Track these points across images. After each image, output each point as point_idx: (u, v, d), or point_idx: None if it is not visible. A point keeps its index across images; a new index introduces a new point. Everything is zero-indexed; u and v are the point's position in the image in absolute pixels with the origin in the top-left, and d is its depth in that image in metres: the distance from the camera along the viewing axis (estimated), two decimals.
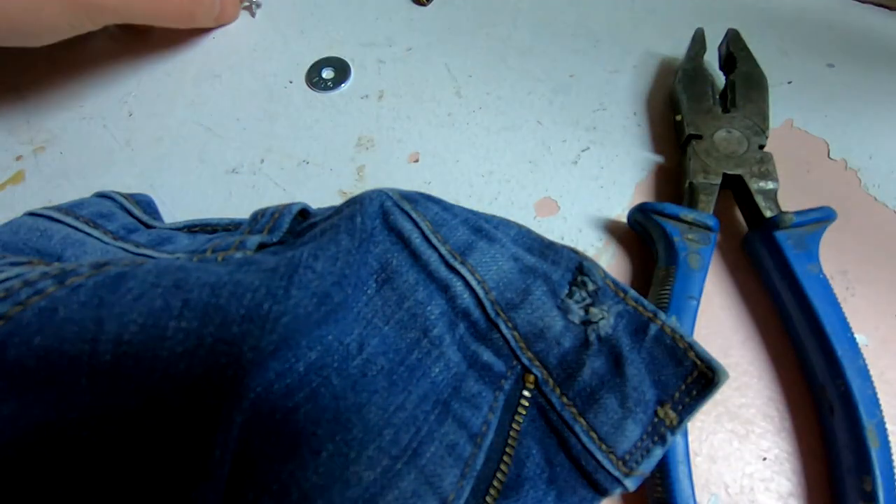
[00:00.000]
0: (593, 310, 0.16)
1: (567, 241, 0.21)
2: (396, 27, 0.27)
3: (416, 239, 0.15)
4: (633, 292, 0.16)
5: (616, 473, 0.14)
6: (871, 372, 0.17)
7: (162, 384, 0.10)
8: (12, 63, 0.27)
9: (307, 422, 0.11)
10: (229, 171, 0.23)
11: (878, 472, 0.15)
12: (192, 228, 0.18)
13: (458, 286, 0.15)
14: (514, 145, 0.23)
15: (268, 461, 0.11)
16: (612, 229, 0.21)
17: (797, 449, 0.17)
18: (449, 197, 0.22)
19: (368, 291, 0.14)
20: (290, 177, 0.23)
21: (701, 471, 0.17)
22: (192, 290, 0.11)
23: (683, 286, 0.18)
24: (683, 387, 0.15)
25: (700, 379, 0.15)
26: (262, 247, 0.15)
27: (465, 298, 0.15)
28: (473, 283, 0.16)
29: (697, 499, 0.16)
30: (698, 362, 0.15)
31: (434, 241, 0.16)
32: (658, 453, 0.14)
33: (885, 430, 0.16)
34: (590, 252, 0.21)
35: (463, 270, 0.16)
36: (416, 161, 0.23)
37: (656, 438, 0.15)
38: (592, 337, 0.16)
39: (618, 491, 0.14)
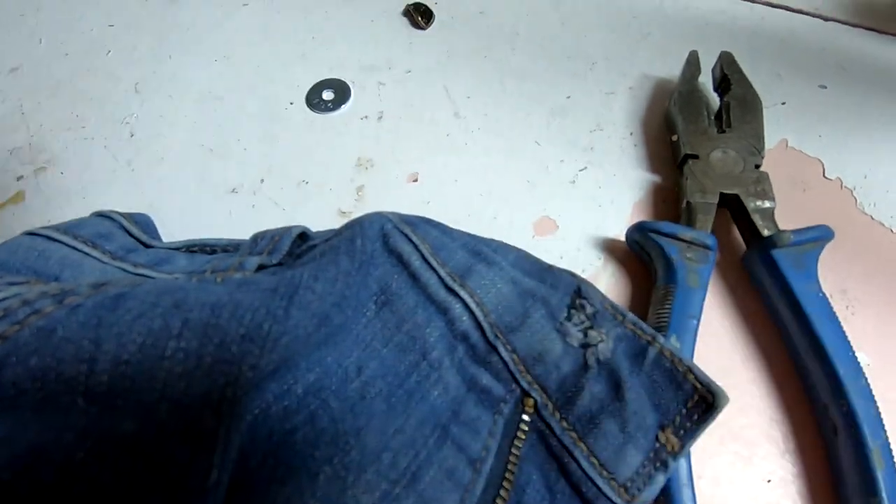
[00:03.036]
0: (592, 333, 0.16)
1: (566, 260, 0.21)
2: (396, 50, 0.27)
3: (416, 261, 0.15)
4: (631, 315, 0.16)
5: (618, 501, 0.14)
6: (874, 392, 0.17)
7: (160, 404, 0.10)
8: (17, 84, 0.27)
9: (305, 444, 0.11)
10: (229, 190, 0.23)
11: (884, 495, 0.15)
12: (191, 248, 0.18)
13: (458, 308, 0.15)
14: (513, 166, 0.23)
15: (265, 483, 0.11)
16: (611, 248, 0.21)
17: (802, 471, 0.17)
18: (448, 217, 0.22)
19: (367, 314, 0.14)
20: (289, 196, 0.23)
21: (704, 494, 0.17)
22: (191, 310, 0.11)
23: (683, 305, 0.18)
24: (684, 411, 0.15)
25: (701, 403, 0.15)
26: (261, 268, 0.15)
27: (464, 321, 0.15)
28: (472, 305, 0.15)
29: None
30: (698, 386, 0.15)
31: (433, 263, 0.16)
32: (660, 480, 0.14)
33: (890, 451, 0.16)
34: (588, 271, 0.21)
35: (462, 293, 0.15)
36: (416, 181, 0.23)
37: (658, 464, 0.14)
38: (592, 360, 0.15)
39: None
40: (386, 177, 0.23)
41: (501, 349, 0.15)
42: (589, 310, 0.16)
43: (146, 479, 0.10)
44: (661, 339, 0.16)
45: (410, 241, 0.16)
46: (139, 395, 0.10)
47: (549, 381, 0.15)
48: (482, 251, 0.17)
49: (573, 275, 0.17)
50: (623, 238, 0.21)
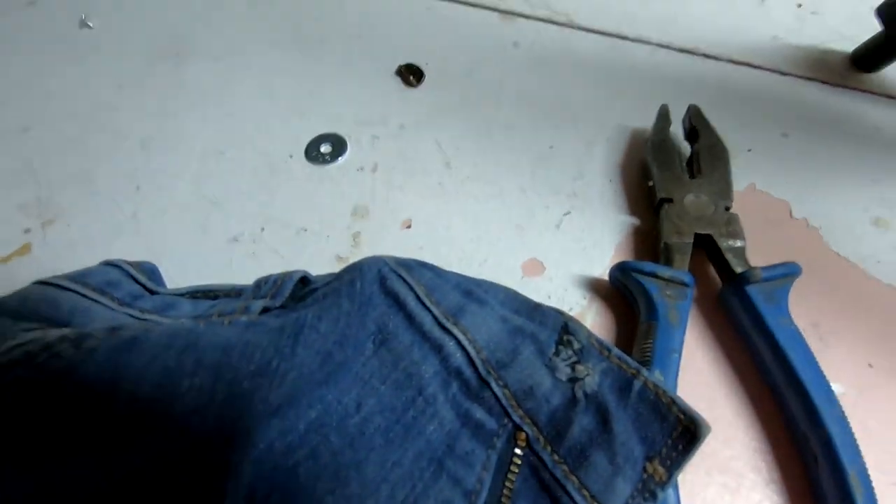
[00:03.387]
0: (579, 367, 0.17)
1: (553, 300, 0.22)
2: (390, 106, 0.29)
3: (411, 302, 0.16)
4: (616, 350, 0.17)
5: None
6: (850, 420, 0.17)
7: (176, 438, 0.11)
8: (28, 142, 0.28)
9: (307, 478, 0.12)
10: (231, 239, 0.24)
11: (855, 496, 0.15)
12: (195, 294, 0.19)
13: (451, 346, 0.16)
14: (501, 211, 0.25)
15: (286, 488, 0.11)
16: (596, 287, 0.22)
17: (787, 499, 0.17)
18: (440, 260, 0.23)
19: (366, 352, 0.15)
20: (289, 244, 0.24)
21: None
22: (204, 350, 0.12)
23: (665, 341, 0.19)
24: (670, 442, 0.15)
25: (685, 433, 0.15)
26: (265, 311, 0.16)
27: (458, 358, 0.16)
28: (465, 342, 0.16)
29: None
30: (682, 417, 0.16)
31: (428, 303, 0.17)
32: None
33: (867, 476, 0.16)
34: (575, 309, 0.22)
35: (455, 331, 0.16)
36: (409, 227, 0.24)
37: (647, 495, 0.15)
38: (580, 394, 0.16)
39: None
40: (381, 224, 0.25)
41: (493, 384, 0.16)
42: (576, 345, 0.17)
43: None
44: (645, 372, 0.16)
45: (406, 282, 0.17)
46: (156, 431, 0.11)
47: (539, 414, 0.16)
48: (473, 291, 0.18)
49: (560, 312, 0.18)
50: (606, 277, 0.22)
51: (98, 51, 0.33)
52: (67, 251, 0.25)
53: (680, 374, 0.19)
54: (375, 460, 0.13)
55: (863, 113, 0.28)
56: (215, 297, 0.19)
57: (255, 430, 0.11)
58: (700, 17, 0.33)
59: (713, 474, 0.18)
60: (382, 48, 0.32)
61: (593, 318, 0.21)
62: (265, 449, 0.12)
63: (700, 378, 0.20)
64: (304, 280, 0.18)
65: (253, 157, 0.27)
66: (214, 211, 0.25)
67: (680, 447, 0.15)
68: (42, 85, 0.31)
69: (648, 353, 0.18)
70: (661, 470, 0.15)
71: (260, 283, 0.17)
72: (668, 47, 0.32)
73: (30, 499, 0.10)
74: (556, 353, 0.17)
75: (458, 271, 0.22)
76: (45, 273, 0.24)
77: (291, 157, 0.27)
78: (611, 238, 0.24)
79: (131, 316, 0.17)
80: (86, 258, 0.24)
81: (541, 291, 0.22)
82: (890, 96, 0.29)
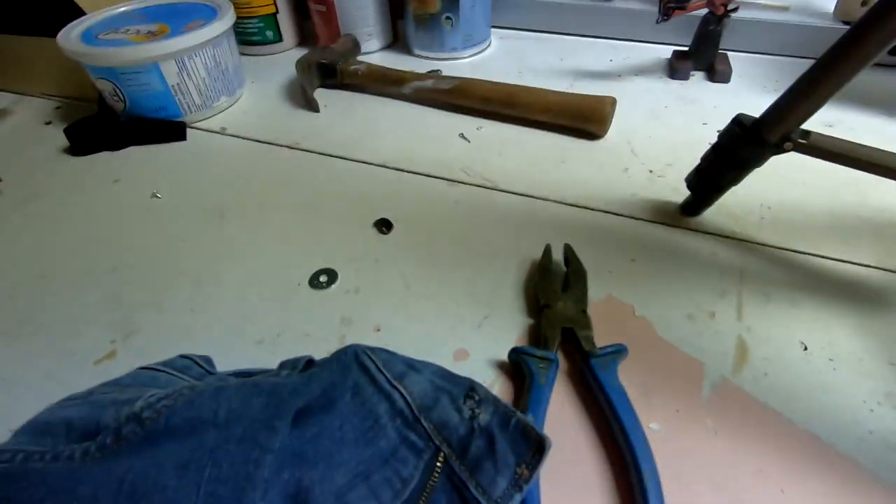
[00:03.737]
0: (477, 410, 0.27)
1: (474, 375, 0.33)
2: (368, 248, 0.42)
3: (373, 369, 0.27)
4: (503, 401, 0.27)
5: None
6: (662, 445, 0.28)
7: (252, 423, 0.21)
8: (115, 279, 0.41)
9: (312, 453, 0.23)
10: (257, 342, 0.36)
11: (651, 500, 0.25)
12: (239, 375, 0.30)
13: (396, 396, 0.27)
14: (441, 318, 0.37)
15: (298, 461, 0.22)
16: (502, 365, 0.33)
17: (616, 495, 0.27)
18: (400, 351, 0.34)
19: (346, 397, 0.26)
20: (296, 345, 0.35)
21: None
22: (263, 386, 0.23)
23: (537, 395, 0.29)
24: (531, 453, 0.25)
25: (539, 448, 0.25)
26: (288, 376, 0.27)
27: (401, 403, 0.27)
28: (406, 395, 0.27)
29: None
30: (537, 438, 0.26)
31: (383, 370, 0.28)
32: (517, 497, 0.24)
33: (657, 476, 0.26)
34: (488, 380, 0.32)
35: (399, 387, 0.27)
36: (379, 331, 0.36)
37: (516, 487, 0.24)
38: (476, 426, 0.26)
39: None
40: (360, 329, 0.36)
41: (423, 420, 0.26)
42: (477, 398, 0.28)
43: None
44: (519, 414, 0.27)
45: (370, 358, 0.28)
46: (240, 420, 0.22)
47: (451, 439, 0.26)
48: (414, 364, 0.29)
49: (470, 380, 0.29)
50: (507, 358, 0.33)
51: (165, 214, 0.46)
52: (141, 355, 0.36)
53: (554, 418, 0.30)
54: (349, 451, 0.24)
55: (686, 244, 0.42)
56: (251, 376, 0.30)
57: (282, 413, 0.22)
58: (583, 181, 0.48)
59: (571, 482, 0.28)
60: (363, 207, 0.46)
61: (500, 385, 0.32)
62: (281, 421, 0.22)
63: (567, 420, 0.30)
64: (310, 361, 0.29)
65: (272, 285, 0.40)
66: (244, 324, 0.37)
67: (536, 456, 0.25)
68: (126, 238, 0.44)
69: (526, 403, 0.29)
70: (525, 471, 0.25)
71: (283, 364, 0.29)
72: (560, 202, 0.46)
73: None
74: (464, 402, 0.27)
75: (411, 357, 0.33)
76: (125, 370, 0.35)
77: (299, 284, 0.40)
78: (513, 332, 0.35)
79: None
80: (155, 360, 0.35)
81: (466, 370, 0.33)
82: (704, 232, 0.42)
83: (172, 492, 0.20)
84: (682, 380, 0.32)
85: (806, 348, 0.34)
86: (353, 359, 0.28)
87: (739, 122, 0.36)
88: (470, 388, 0.28)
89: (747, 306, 0.37)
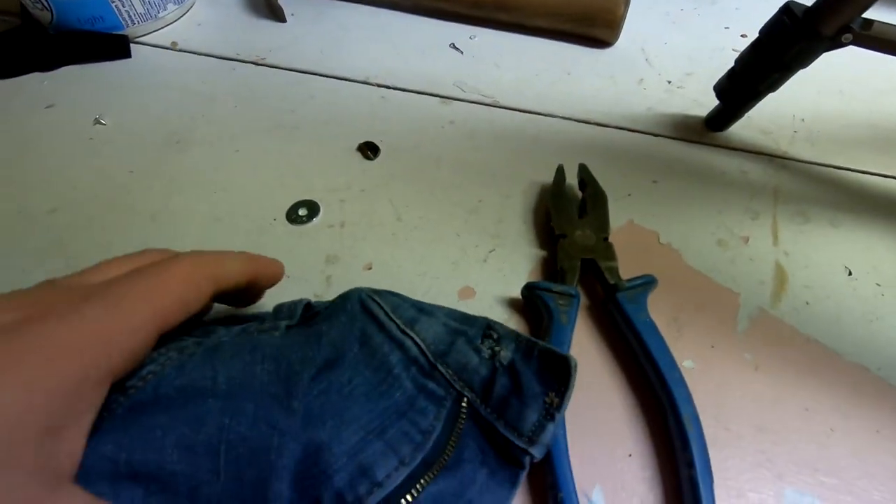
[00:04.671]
0: (496, 348, 0.24)
1: (482, 315, 0.29)
2: (352, 176, 0.37)
3: (382, 315, 0.23)
4: (524, 335, 0.24)
5: (522, 445, 0.21)
6: (698, 385, 0.24)
7: (258, 396, 0.18)
8: (56, 221, 0.35)
9: (320, 408, 0.20)
10: None
11: (693, 447, 0.22)
12: (229, 321, 0.25)
13: (409, 343, 0.23)
14: (441, 252, 0.32)
15: (305, 425, 0.19)
16: (514, 304, 0.29)
17: (652, 448, 0.24)
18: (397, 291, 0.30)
19: (354, 349, 0.22)
20: (276, 289, 0.30)
21: (586, 465, 0.23)
22: (264, 349, 0.19)
23: (558, 335, 0.26)
24: (559, 378, 0.22)
25: (565, 371, 0.22)
26: (288, 327, 0.22)
27: (414, 351, 0.23)
28: (418, 341, 0.23)
29: (586, 485, 0.22)
30: (562, 360, 0.22)
31: (393, 317, 0.24)
32: (550, 427, 0.21)
33: (698, 420, 0.23)
34: (500, 320, 0.28)
35: (411, 333, 0.23)
36: (370, 269, 0.31)
37: (547, 417, 0.21)
38: (498, 364, 0.23)
39: (527, 459, 0.21)
40: (348, 268, 0.31)
41: (440, 367, 0.23)
42: (495, 336, 0.24)
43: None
44: (540, 342, 0.23)
45: (378, 303, 0.24)
46: (245, 393, 0.17)
47: (473, 382, 0.23)
48: (424, 307, 0.25)
49: (486, 318, 0.25)
50: (520, 295, 0.29)
51: (111, 144, 0.40)
52: None
53: (578, 360, 0.26)
54: (360, 406, 0.21)
55: (712, 162, 0.37)
56: (243, 321, 0.25)
57: (296, 391, 0.19)
58: (592, 95, 0.43)
59: (598, 429, 0.24)
60: (345, 130, 0.40)
61: (513, 326, 0.28)
62: (298, 401, 0.19)
63: (590, 359, 0.27)
64: (309, 305, 0.25)
65: (244, 222, 0.34)
66: None
67: (564, 380, 0.22)
68: (65, 173, 0.38)
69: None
70: (555, 399, 0.22)
71: (277, 309, 0.24)
72: (568, 119, 0.41)
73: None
74: (482, 342, 0.24)
75: None
76: None
77: (275, 220, 0.34)
78: (524, 267, 0.31)
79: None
80: None
81: (473, 310, 0.29)
82: (732, 148, 0.38)
83: (184, 477, 0.16)
84: (716, 312, 0.29)
85: (850, 273, 0.30)
86: (359, 304, 0.24)
87: (789, 12, 0.30)
88: (487, 327, 0.24)
89: (783, 229, 0.33)
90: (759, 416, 0.25)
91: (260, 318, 0.24)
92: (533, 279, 0.30)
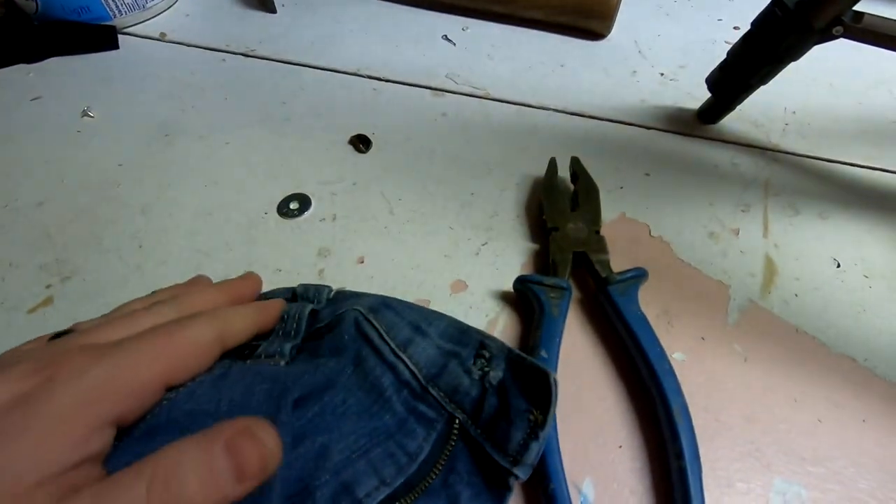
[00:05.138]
0: (486, 368, 0.23)
1: (475, 309, 0.29)
2: (344, 169, 0.37)
3: (376, 338, 0.24)
4: (515, 350, 0.23)
5: (507, 465, 0.21)
6: (688, 376, 0.25)
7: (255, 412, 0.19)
8: (44, 214, 0.34)
9: (311, 428, 0.20)
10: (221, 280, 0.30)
11: (682, 438, 0.22)
12: None
13: (401, 367, 0.23)
14: (433, 245, 0.32)
15: (301, 437, 0.20)
16: (506, 297, 0.29)
17: (643, 440, 0.24)
18: (387, 285, 0.30)
19: (348, 372, 0.23)
20: (268, 282, 0.30)
21: (577, 457, 0.23)
22: (265, 373, 0.20)
23: (549, 328, 0.26)
24: (542, 395, 0.22)
25: (548, 387, 0.22)
26: (293, 349, 0.23)
27: (406, 374, 0.23)
28: (410, 365, 0.23)
29: (577, 477, 0.23)
30: (546, 376, 0.22)
31: (387, 339, 0.24)
32: (535, 447, 0.21)
33: (687, 410, 0.23)
34: (491, 313, 0.29)
35: (404, 357, 0.23)
36: (362, 262, 0.31)
37: (531, 436, 0.21)
38: (487, 384, 0.23)
39: (513, 480, 0.21)
40: (340, 261, 0.31)
41: (432, 390, 0.23)
42: (487, 355, 0.24)
43: None
44: (528, 358, 0.23)
45: (373, 325, 0.24)
46: (241, 412, 0.18)
47: (464, 403, 0.23)
48: (420, 326, 0.25)
49: (480, 333, 0.24)
50: (512, 288, 0.29)
51: (100, 136, 0.39)
52: (84, 301, 0.30)
53: (569, 353, 0.26)
54: (350, 425, 0.21)
55: (704, 155, 0.37)
56: None
57: (285, 404, 0.19)
58: (586, 87, 0.43)
59: (590, 420, 0.25)
60: (337, 122, 0.40)
61: (505, 320, 0.28)
62: (286, 415, 0.19)
63: (582, 353, 0.27)
64: (314, 312, 0.25)
65: (235, 215, 0.34)
66: (205, 260, 0.32)
67: (545, 395, 0.22)
68: (53, 166, 0.37)
69: (538, 338, 0.25)
70: (539, 416, 0.21)
71: (284, 317, 0.24)
72: (562, 112, 0.41)
73: None
74: (474, 362, 0.24)
75: (402, 294, 0.29)
76: (66, 321, 0.29)
77: (266, 213, 0.34)
78: (517, 260, 0.31)
79: None
80: (100, 306, 0.30)
81: (465, 304, 0.29)
82: (723, 141, 0.38)
83: None
84: (706, 304, 0.29)
85: (839, 265, 0.31)
86: (354, 326, 0.24)
87: (780, 4, 0.30)
88: (480, 346, 0.24)
89: (774, 222, 0.33)
90: (749, 407, 0.25)
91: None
92: (525, 272, 0.30)
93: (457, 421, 0.22)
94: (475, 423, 0.22)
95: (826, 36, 0.30)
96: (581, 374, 0.26)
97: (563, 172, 0.34)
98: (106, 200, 0.35)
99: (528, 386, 0.22)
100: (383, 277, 0.31)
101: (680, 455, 0.22)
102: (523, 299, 0.29)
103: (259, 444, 0.16)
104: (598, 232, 0.30)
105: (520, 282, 0.28)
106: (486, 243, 0.32)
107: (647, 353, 0.25)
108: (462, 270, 0.31)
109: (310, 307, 0.25)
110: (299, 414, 0.21)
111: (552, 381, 0.21)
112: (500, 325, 0.28)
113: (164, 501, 0.15)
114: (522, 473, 0.21)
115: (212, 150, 0.38)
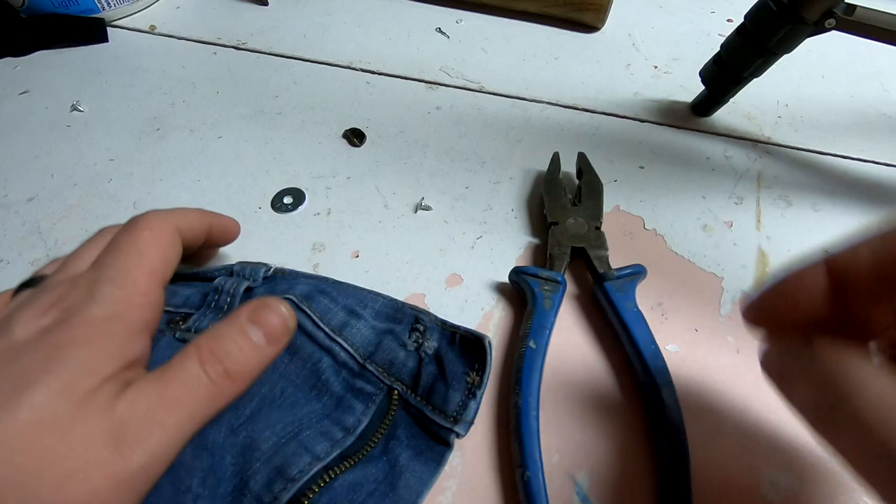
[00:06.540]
0: (421, 340, 0.25)
1: (470, 302, 0.29)
2: (338, 163, 0.36)
3: (310, 325, 0.24)
4: (448, 321, 0.25)
5: (447, 425, 0.22)
6: (681, 368, 0.25)
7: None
8: (34, 210, 0.34)
9: (253, 424, 0.21)
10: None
11: (675, 433, 0.23)
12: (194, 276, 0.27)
13: (337, 349, 0.24)
14: (428, 239, 0.32)
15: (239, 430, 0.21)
16: (501, 290, 0.29)
17: (629, 416, 0.24)
18: (381, 279, 0.30)
19: (285, 360, 0.24)
20: None
21: (571, 449, 0.24)
22: None
23: (540, 320, 0.26)
24: (478, 358, 0.23)
25: (482, 350, 0.23)
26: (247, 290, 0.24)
27: (342, 355, 0.24)
28: (346, 346, 0.24)
29: (571, 468, 0.23)
30: (479, 341, 0.23)
31: (321, 325, 0.24)
32: (472, 405, 0.22)
33: (678, 406, 0.23)
34: (486, 307, 0.29)
35: (339, 340, 0.24)
36: (357, 257, 0.31)
37: (469, 395, 0.23)
38: (423, 355, 0.24)
39: (453, 437, 0.22)
40: (335, 256, 0.31)
41: (370, 366, 0.24)
42: (421, 328, 0.25)
43: None
44: (462, 327, 0.24)
45: (306, 314, 0.24)
46: None
47: (402, 375, 0.24)
48: (355, 309, 0.26)
49: (415, 308, 0.26)
50: (507, 281, 0.29)
51: (90, 130, 0.39)
52: None
53: (560, 346, 0.26)
54: (288, 411, 0.22)
55: (697, 147, 0.37)
56: (210, 279, 0.26)
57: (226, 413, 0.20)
58: (580, 80, 0.42)
59: (584, 412, 0.25)
60: (330, 116, 0.39)
61: (500, 312, 0.29)
62: (226, 417, 0.20)
63: (578, 347, 0.27)
64: (248, 289, 0.26)
65: (228, 210, 0.34)
66: None
67: (481, 358, 0.23)
68: (43, 161, 0.37)
69: (528, 329, 0.25)
70: (475, 377, 0.23)
71: (219, 289, 0.25)
72: (555, 105, 0.40)
73: None
74: (409, 336, 0.25)
75: (397, 288, 0.29)
76: None
77: (260, 208, 0.34)
78: (512, 253, 0.31)
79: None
80: None
81: (460, 297, 0.29)
82: (717, 134, 0.38)
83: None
84: (700, 296, 0.29)
85: None
86: None
87: None
88: (414, 320, 0.25)
89: (766, 214, 0.33)
90: (742, 398, 0.26)
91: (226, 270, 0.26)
92: (521, 265, 0.30)
93: (396, 392, 0.23)
94: (414, 392, 0.23)
95: (819, 29, 0.30)
96: (577, 368, 0.26)
97: (565, 167, 0.34)
98: (97, 196, 0.35)
99: (465, 352, 0.24)
100: (378, 272, 0.30)
101: (673, 450, 0.22)
102: (519, 291, 0.29)
103: (276, 311, 0.19)
104: (598, 228, 0.30)
105: (515, 272, 0.28)
106: (480, 237, 0.32)
107: (642, 352, 0.25)
108: (457, 264, 0.31)
109: (245, 284, 0.26)
110: (235, 413, 0.21)
111: (486, 343, 0.23)
112: (495, 318, 0.28)
113: (217, 370, 0.17)
114: (463, 430, 0.22)
115: (204, 144, 0.38)
